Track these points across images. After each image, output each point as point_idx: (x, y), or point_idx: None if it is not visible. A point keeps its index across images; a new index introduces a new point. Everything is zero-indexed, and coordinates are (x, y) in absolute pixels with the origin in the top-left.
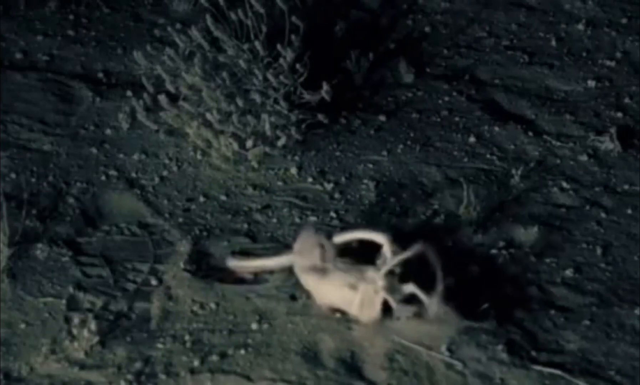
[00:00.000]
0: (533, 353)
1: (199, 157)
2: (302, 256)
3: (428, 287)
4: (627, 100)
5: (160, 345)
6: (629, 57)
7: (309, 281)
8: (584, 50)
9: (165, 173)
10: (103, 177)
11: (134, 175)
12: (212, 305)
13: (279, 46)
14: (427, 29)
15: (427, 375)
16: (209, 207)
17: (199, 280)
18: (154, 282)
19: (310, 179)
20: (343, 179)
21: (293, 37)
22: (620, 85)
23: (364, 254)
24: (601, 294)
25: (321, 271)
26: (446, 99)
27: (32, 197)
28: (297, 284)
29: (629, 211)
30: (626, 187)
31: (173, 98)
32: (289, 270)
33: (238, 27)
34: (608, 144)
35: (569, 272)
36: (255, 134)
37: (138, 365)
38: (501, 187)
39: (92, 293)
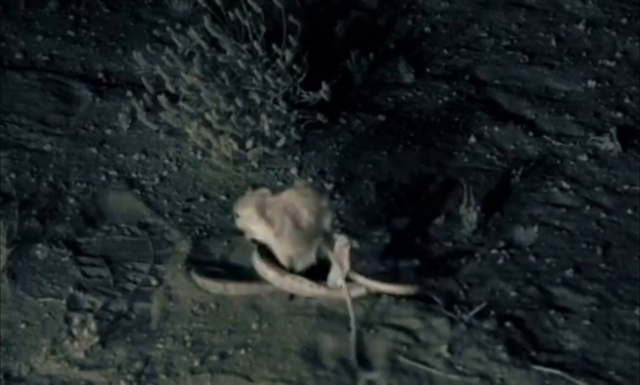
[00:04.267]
0: (533, 353)
1: (199, 157)
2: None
3: None
4: (627, 100)
5: (160, 345)
6: (629, 57)
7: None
8: (584, 50)
9: (165, 173)
10: (103, 177)
11: (134, 175)
12: (212, 305)
13: (278, 47)
14: (427, 29)
15: (427, 375)
16: (209, 207)
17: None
18: (154, 282)
19: (310, 179)
20: (343, 179)
21: (291, 37)
22: (620, 85)
23: None
24: (601, 294)
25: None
26: (446, 99)
27: (32, 197)
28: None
29: (629, 211)
30: (626, 187)
31: (173, 98)
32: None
33: (237, 28)
34: (608, 144)
35: (569, 272)
36: (254, 134)
37: (138, 365)
38: (501, 187)
39: (92, 293)
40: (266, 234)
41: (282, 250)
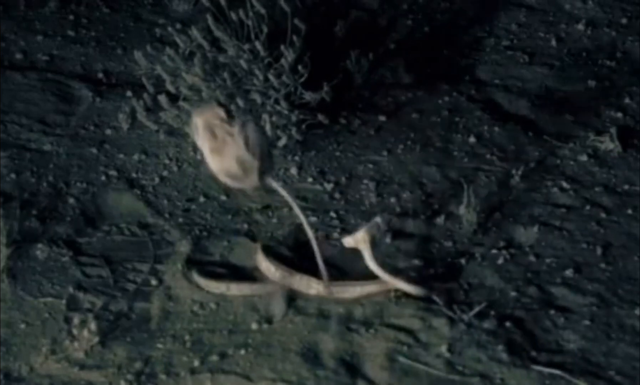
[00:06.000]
0: (533, 353)
1: (199, 157)
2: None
3: None
4: (627, 100)
5: (160, 345)
6: (629, 57)
7: (205, 147)
8: (584, 50)
9: (165, 173)
10: (103, 177)
11: (134, 175)
12: (212, 305)
13: (282, 47)
14: (427, 29)
15: (427, 375)
16: (209, 207)
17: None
18: (154, 282)
19: (310, 179)
20: (343, 179)
21: (295, 37)
22: (620, 85)
23: None
24: (601, 294)
25: (217, 141)
26: (446, 99)
27: (32, 197)
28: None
29: (629, 211)
30: (626, 187)
31: (173, 98)
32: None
33: (239, 27)
34: (608, 144)
35: (569, 272)
36: None
37: (138, 365)
38: (501, 187)
39: (92, 293)
40: (208, 146)
41: (222, 167)
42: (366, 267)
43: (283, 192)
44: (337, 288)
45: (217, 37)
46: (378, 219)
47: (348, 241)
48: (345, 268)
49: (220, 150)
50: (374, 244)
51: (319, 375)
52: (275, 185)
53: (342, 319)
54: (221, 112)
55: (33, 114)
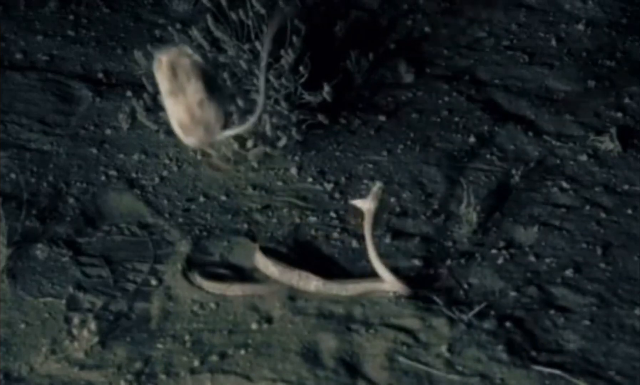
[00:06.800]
0: (533, 353)
1: (199, 157)
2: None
3: None
4: (627, 100)
5: (160, 345)
6: (629, 57)
7: (164, 88)
8: (584, 50)
9: (165, 173)
10: (103, 177)
11: (134, 175)
12: (212, 305)
13: (282, 48)
14: (427, 29)
15: (427, 375)
16: (209, 207)
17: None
18: (154, 282)
19: (310, 179)
20: (343, 179)
21: (294, 38)
22: (620, 85)
23: None
24: (601, 294)
25: (176, 84)
26: (446, 99)
27: (32, 197)
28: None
29: (629, 211)
30: (626, 187)
31: None
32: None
33: (239, 27)
34: (608, 144)
35: (569, 272)
36: (255, 134)
37: (138, 365)
38: (501, 187)
39: (92, 293)
40: (166, 87)
41: (175, 112)
42: (366, 267)
43: (240, 128)
44: (336, 285)
45: (217, 37)
46: (379, 184)
47: (355, 203)
48: (347, 267)
49: (176, 94)
50: (378, 216)
51: (319, 375)
52: (233, 131)
53: (342, 319)
54: (190, 54)
55: (33, 114)
